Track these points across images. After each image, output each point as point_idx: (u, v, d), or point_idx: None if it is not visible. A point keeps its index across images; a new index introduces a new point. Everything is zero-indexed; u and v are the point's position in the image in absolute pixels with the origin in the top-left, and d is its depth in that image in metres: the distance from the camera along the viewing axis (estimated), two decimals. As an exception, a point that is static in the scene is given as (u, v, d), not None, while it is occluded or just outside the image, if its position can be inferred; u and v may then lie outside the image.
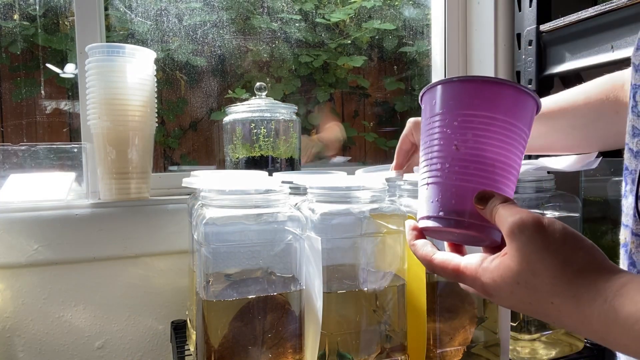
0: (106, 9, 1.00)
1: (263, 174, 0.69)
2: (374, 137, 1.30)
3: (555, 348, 0.71)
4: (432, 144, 0.41)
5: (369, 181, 0.59)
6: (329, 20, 1.23)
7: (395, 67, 1.31)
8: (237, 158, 0.89)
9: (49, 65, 1.03)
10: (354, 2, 1.24)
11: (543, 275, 0.32)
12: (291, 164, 0.91)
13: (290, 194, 0.60)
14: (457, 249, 0.43)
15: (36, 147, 0.88)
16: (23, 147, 0.87)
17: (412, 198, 0.67)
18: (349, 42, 1.25)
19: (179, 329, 0.80)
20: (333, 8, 1.24)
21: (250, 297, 0.55)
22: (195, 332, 0.64)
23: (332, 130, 1.25)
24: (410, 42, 1.30)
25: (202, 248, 0.54)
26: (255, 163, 0.88)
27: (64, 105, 1.04)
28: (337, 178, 0.66)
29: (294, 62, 1.21)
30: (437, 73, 1.25)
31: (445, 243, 0.44)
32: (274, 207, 0.57)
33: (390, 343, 0.60)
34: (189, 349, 0.72)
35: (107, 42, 0.97)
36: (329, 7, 1.23)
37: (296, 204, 0.61)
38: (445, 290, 0.64)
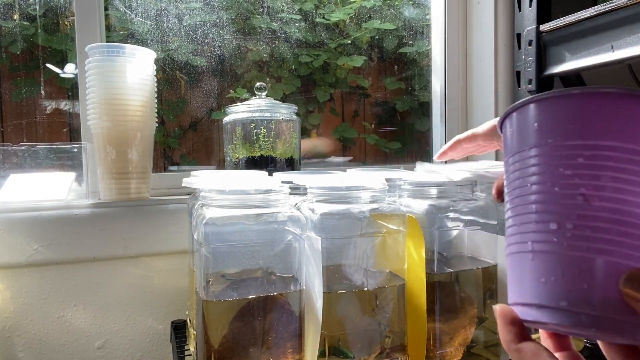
0: (106, 9, 1.00)
1: (263, 174, 0.69)
2: (375, 139, 1.30)
3: (555, 348, 0.71)
4: (536, 189, 0.27)
5: (369, 181, 0.59)
6: (329, 20, 1.23)
7: (395, 67, 1.31)
8: (237, 158, 0.89)
9: (49, 65, 1.03)
10: (354, 2, 1.24)
11: None
12: (291, 164, 0.91)
13: (290, 194, 0.60)
14: (558, 339, 0.30)
15: (36, 147, 0.88)
16: (23, 147, 0.87)
17: (411, 198, 0.67)
18: (349, 42, 1.25)
19: (179, 329, 0.80)
20: (333, 8, 1.24)
21: (250, 297, 0.55)
22: (195, 332, 0.64)
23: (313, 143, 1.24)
24: (410, 42, 1.30)
25: (202, 248, 0.54)
26: (255, 163, 0.88)
27: (64, 105, 1.04)
28: (337, 178, 0.66)
29: (294, 62, 1.21)
30: (437, 73, 1.25)
31: (542, 331, 0.31)
32: (274, 207, 0.57)
33: (390, 343, 0.60)
34: (189, 349, 0.72)
35: (107, 42, 0.97)
36: (329, 7, 1.23)
37: (296, 204, 0.61)
38: (445, 290, 0.64)
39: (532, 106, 0.28)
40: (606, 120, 0.25)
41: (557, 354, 0.29)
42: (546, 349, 0.27)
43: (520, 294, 0.28)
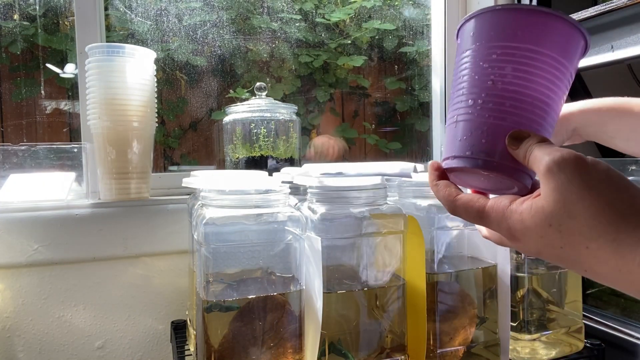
0: (106, 9, 1.00)
1: (263, 174, 0.69)
2: (375, 139, 1.30)
3: (555, 348, 0.71)
4: (464, 79, 0.37)
5: (369, 181, 0.59)
6: (329, 20, 1.23)
7: (395, 67, 1.31)
8: (237, 158, 0.89)
9: (49, 65, 1.03)
10: (354, 2, 1.24)
11: (581, 217, 0.29)
12: (291, 164, 0.91)
13: (290, 194, 0.60)
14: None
15: (36, 147, 0.88)
16: (23, 147, 0.87)
17: (411, 198, 0.67)
18: (349, 42, 1.25)
19: (179, 329, 0.80)
20: (333, 8, 1.24)
21: (250, 297, 0.55)
22: (195, 332, 0.64)
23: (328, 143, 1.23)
24: (410, 42, 1.30)
25: (202, 248, 0.54)
26: (255, 163, 0.88)
27: (64, 105, 1.04)
28: (337, 178, 0.66)
29: (294, 62, 1.21)
30: (437, 73, 1.25)
31: (469, 191, 0.41)
32: (273, 207, 0.57)
33: (390, 343, 0.60)
34: (189, 349, 0.72)
35: (107, 42, 0.97)
36: (329, 7, 1.23)
37: (296, 204, 0.61)
38: (445, 290, 0.64)
39: (471, 20, 0.38)
40: (513, 28, 0.35)
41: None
42: (455, 185, 0.38)
43: (446, 151, 0.39)
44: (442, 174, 0.39)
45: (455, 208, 0.37)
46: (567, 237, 0.30)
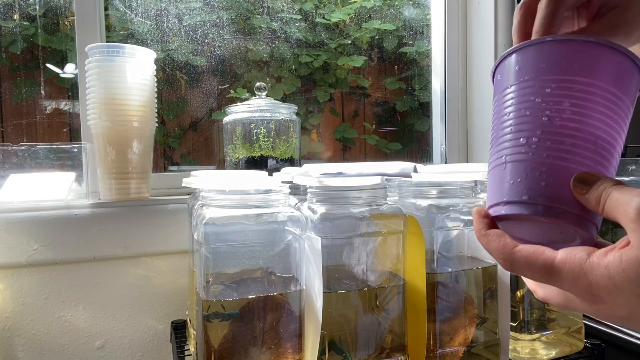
0: (106, 9, 1.00)
1: (263, 174, 0.69)
2: (375, 139, 1.30)
3: (555, 348, 0.71)
4: (511, 116, 0.34)
5: (369, 181, 0.59)
6: (329, 20, 1.23)
7: (395, 67, 1.31)
8: (237, 158, 0.89)
9: (49, 65, 1.03)
10: (354, 2, 1.24)
11: None
12: (291, 164, 0.91)
13: (290, 194, 0.60)
14: None
15: (36, 147, 0.88)
16: (23, 147, 0.87)
17: (411, 198, 0.67)
18: (349, 42, 1.25)
19: (179, 329, 0.80)
20: (333, 8, 1.24)
21: (250, 297, 0.55)
22: (195, 332, 0.64)
23: None
24: (410, 42, 1.30)
25: (202, 248, 0.54)
26: (255, 163, 0.88)
27: (64, 105, 1.04)
28: (337, 178, 0.66)
29: (294, 62, 1.21)
30: (437, 73, 1.25)
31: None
32: (273, 207, 0.57)
33: (390, 343, 0.60)
34: (189, 349, 0.72)
35: (107, 42, 0.97)
36: (329, 7, 1.23)
37: (296, 204, 0.61)
38: (445, 290, 0.64)
39: (514, 54, 0.35)
40: (568, 60, 0.33)
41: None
42: (507, 234, 0.33)
43: (492, 197, 0.35)
44: (491, 222, 0.34)
45: (513, 262, 0.31)
46: None
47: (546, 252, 0.30)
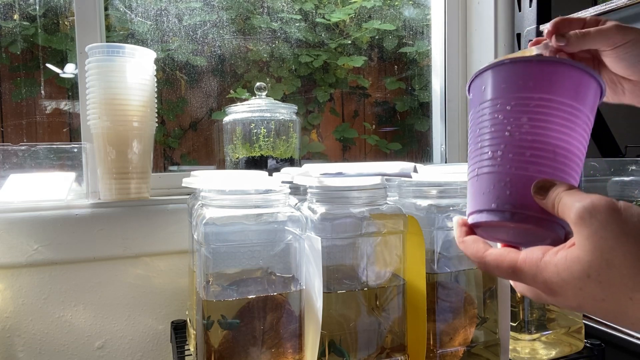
0: (106, 9, 1.00)
1: (263, 174, 0.69)
2: (375, 139, 1.29)
3: (555, 348, 0.71)
4: (482, 132, 0.37)
5: (369, 181, 0.59)
6: (329, 20, 1.23)
7: (395, 67, 1.31)
8: (237, 158, 0.89)
9: (49, 65, 1.02)
10: (354, 2, 1.24)
11: (620, 265, 0.28)
12: (291, 164, 0.90)
13: (290, 194, 0.60)
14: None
15: (36, 147, 0.88)
16: (23, 147, 0.87)
17: (411, 198, 0.67)
18: (349, 42, 1.25)
19: (179, 329, 0.80)
20: (333, 8, 1.24)
21: (250, 297, 0.55)
22: (195, 332, 0.64)
23: None
24: (410, 42, 1.30)
25: (202, 248, 0.54)
26: (255, 163, 0.88)
27: (64, 105, 1.04)
28: (337, 178, 0.66)
29: (294, 62, 1.21)
30: (437, 73, 1.25)
31: (499, 245, 0.39)
32: (273, 207, 0.57)
33: (390, 343, 0.60)
34: (189, 349, 0.72)
35: (107, 42, 0.97)
36: (329, 7, 1.23)
37: (296, 204, 0.61)
38: (445, 290, 0.64)
39: (478, 77, 0.39)
40: (524, 79, 0.36)
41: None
42: (483, 240, 0.37)
43: (470, 206, 0.38)
44: (470, 229, 0.38)
45: (485, 264, 0.35)
46: (608, 289, 0.28)
47: (510, 254, 0.33)
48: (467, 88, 0.41)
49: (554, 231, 0.34)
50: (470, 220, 0.38)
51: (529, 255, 0.32)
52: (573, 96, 0.35)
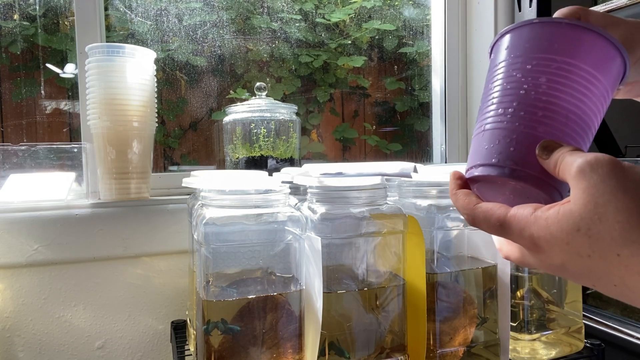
0: (106, 9, 1.00)
1: (263, 174, 0.69)
2: (375, 139, 1.29)
3: (555, 348, 0.71)
4: (495, 89, 0.37)
5: (369, 181, 0.59)
6: (329, 20, 1.23)
7: (395, 67, 1.31)
8: (237, 158, 0.89)
9: (49, 65, 1.02)
10: (354, 2, 1.24)
11: (612, 220, 0.27)
12: (291, 164, 0.90)
13: (290, 194, 0.60)
14: None
15: (36, 147, 0.88)
16: (23, 147, 0.87)
17: (411, 198, 0.67)
18: (349, 42, 1.25)
19: (179, 329, 0.80)
20: (333, 8, 1.24)
21: (250, 297, 0.55)
22: (195, 332, 0.64)
23: None
24: (410, 42, 1.30)
25: (202, 248, 0.54)
26: (255, 163, 0.88)
27: (64, 105, 1.04)
28: (337, 178, 0.66)
29: (294, 62, 1.21)
30: (437, 73, 1.25)
31: None
32: (273, 207, 0.57)
33: (390, 343, 0.60)
34: (189, 349, 0.72)
35: (107, 42, 0.97)
36: (329, 7, 1.23)
37: (296, 204, 0.61)
38: (445, 290, 0.64)
39: (506, 35, 0.38)
40: (550, 41, 0.35)
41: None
42: (475, 194, 0.36)
43: (469, 161, 0.37)
44: (464, 183, 0.38)
45: (474, 217, 0.34)
46: (597, 243, 0.28)
47: (501, 208, 0.33)
48: (489, 50, 0.41)
49: (551, 195, 0.34)
50: (468, 174, 0.37)
51: (520, 211, 0.32)
52: (596, 65, 0.35)
